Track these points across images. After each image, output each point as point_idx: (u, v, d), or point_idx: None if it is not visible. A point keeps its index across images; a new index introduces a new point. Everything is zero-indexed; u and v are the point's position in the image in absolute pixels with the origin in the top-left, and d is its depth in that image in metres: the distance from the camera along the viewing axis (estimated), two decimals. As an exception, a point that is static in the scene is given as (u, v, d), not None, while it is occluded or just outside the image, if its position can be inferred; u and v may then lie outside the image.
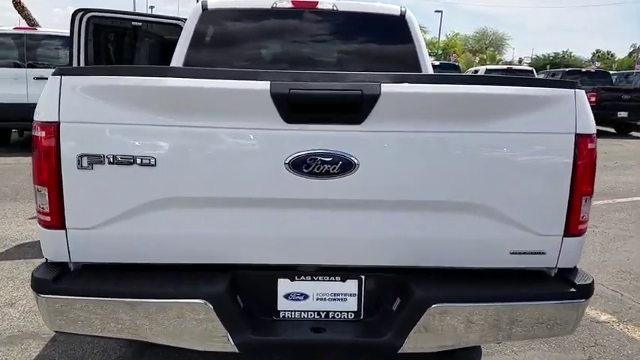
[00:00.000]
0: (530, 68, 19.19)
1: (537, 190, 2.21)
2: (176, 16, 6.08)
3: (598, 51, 77.13)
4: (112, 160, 2.08)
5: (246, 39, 4.42)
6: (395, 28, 4.41)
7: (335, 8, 4.35)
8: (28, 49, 11.34)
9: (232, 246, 2.24)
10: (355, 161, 2.12)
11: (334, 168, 2.12)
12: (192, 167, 2.12)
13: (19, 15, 16.86)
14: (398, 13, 4.41)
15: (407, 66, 4.29)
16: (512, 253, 2.26)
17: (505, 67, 20.43)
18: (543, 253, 2.27)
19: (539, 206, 2.22)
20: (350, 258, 2.29)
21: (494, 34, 66.58)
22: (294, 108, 2.07)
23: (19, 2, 16.44)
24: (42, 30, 12.09)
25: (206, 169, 2.13)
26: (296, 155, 2.11)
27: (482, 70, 18.70)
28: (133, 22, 5.23)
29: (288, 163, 2.11)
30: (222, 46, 4.41)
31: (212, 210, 2.18)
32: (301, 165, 2.11)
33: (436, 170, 2.17)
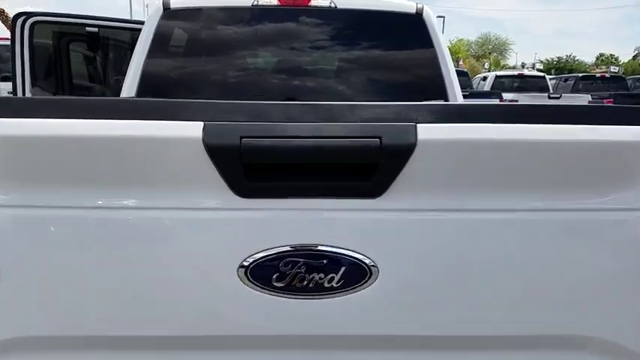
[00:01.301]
0: (542, 74, 18.22)
1: None
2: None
3: (601, 55, 76.55)
4: None
5: (218, 46, 3.49)
6: (410, 29, 3.47)
7: (333, 5, 3.41)
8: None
9: None
10: (368, 267, 1.15)
11: (331, 280, 1.15)
12: (62, 282, 1.16)
13: (2, 25, 16.08)
14: (413, 10, 3.46)
15: (426, 78, 3.36)
16: None
17: (516, 72, 19.48)
18: None
19: None
20: None
21: (497, 38, 65.84)
22: (253, 171, 1.12)
23: (3, 11, 15.65)
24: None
25: (87, 284, 1.17)
26: (258, 257, 1.14)
27: (490, 76, 17.74)
28: (87, 28, 4.27)
29: (244, 272, 1.15)
30: (188, 55, 3.49)
31: None
32: (269, 274, 1.15)
33: (522, 281, 1.20)
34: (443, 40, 3.53)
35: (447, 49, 3.56)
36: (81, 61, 5.22)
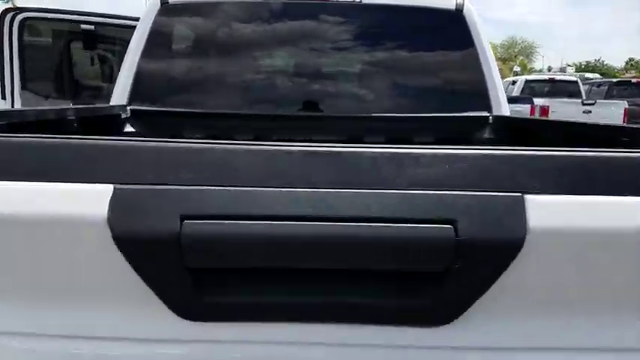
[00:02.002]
0: (575, 79, 17.30)
1: None
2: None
3: (631, 59, 74.73)
4: None
5: (223, 45, 3.03)
6: (448, 27, 2.97)
7: (357, 0, 2.92)
8: None
9: None
10: None
11: None
12: None
13: None
14: (452, 6, 2.95)
15: (465, 83, 2.86)
16: None
17: (547, 77, 18.58)
18: None
19: None
20: None
21: (524, 41, 64.52)
22: (207, 278, 0.64)
23: None
24: None
25: None
26: None
27: (520, 80, 16.94)
28: (83, 26, 3.84)
29: None
30: (188, 55, 3.04)
31: None
32: None
33: None
34: (486, 39, 3.00)
35: (491, 50, 3.04)
36: (87, 59, 4.82)
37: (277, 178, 0.62)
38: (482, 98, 2.88)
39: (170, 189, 0.60)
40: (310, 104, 2.95)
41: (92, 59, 4.43)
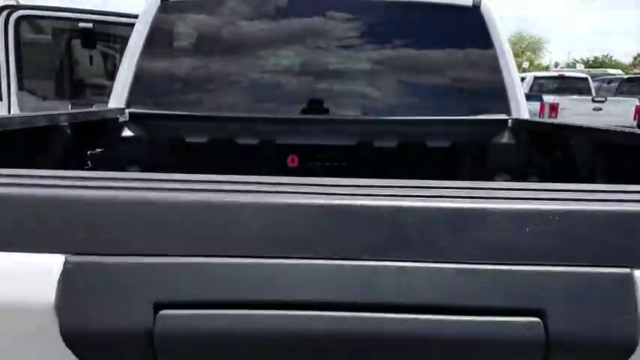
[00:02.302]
0: (585, 75, 16.97)
1: None
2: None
3: (639, 54, 74.15)
4: None
5: (227, 43, 2.88)
6: (465, 25, 2.81)
7: (369, -4, 2.77)
8: None
9: None
10: None
11: None
12: None
13: None
14: (469, 2, 2.78)
15: (483, 83, 2.71)
16: None
17: (556, 73, 18.26)
18: None
19: None
20: None
21: (531, 37, 63.96)
22: None
23: None
24: None
25: None
26: None
27: (529, 77, 16.67)
28: (81, 24, 3.70)
29: None
30: (190, 54, 2.89)
31: None
32: None
33: None
34: (505, 38, 2.84)
35: (510, 49, 2.87)
36: (90, 57, 4.68)
37: (287, 244, 0.46)
38: (500, 100, 2.72)
39: (141, 263, 0.43)
40: (318, 106, 2.79)
41: (91, 58, 4.28)
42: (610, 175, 1.97)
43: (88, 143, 2.31)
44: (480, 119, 2.73)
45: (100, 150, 2.36)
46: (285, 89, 2.90)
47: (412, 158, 2.65)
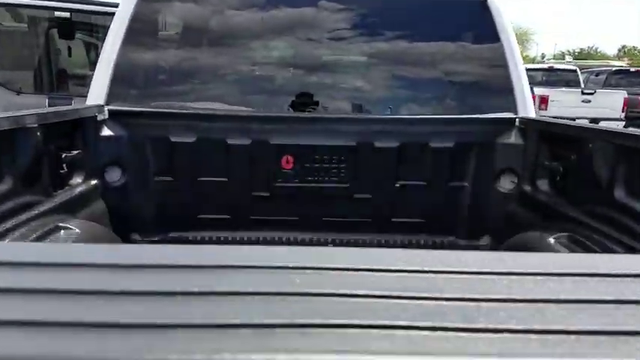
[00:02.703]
0: (574, 67, 16.88)
1: None
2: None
3: (624, 46, 74.80)
4: None
5: (213, 34, 2.69)
6: (471, 19, 2.66)
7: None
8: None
9: None
10: None
11: None
12: None
13: None
14: None
15: (488, 78, 2.57)
16: None
17: (546, 66, 18.17)
18: None
19: None
20: None
21: (519, 29, 64.20)
22: None
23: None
24: None
25: None
26: None
27: (518, 69, 16.52)
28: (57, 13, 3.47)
29: None
30: (175, 45, 2.70)
31: None
32: None
33: None
34: (512, 32, 2.68)
35: (517, 43, 2.72)
36: (74, 47, 4.44)
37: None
38: (507, 98, 2.57)
39: None
40: (312, 102, 2.61)
41: (70, 49, 4.04)
42: (626, 180, 1.83)
43: (63, 145, 2.11)
44: (485, 118, 2.57)
45: (76, 152, 2.17)
46: (281, 85, 2.72)
47: (413, 160, 2.49)
